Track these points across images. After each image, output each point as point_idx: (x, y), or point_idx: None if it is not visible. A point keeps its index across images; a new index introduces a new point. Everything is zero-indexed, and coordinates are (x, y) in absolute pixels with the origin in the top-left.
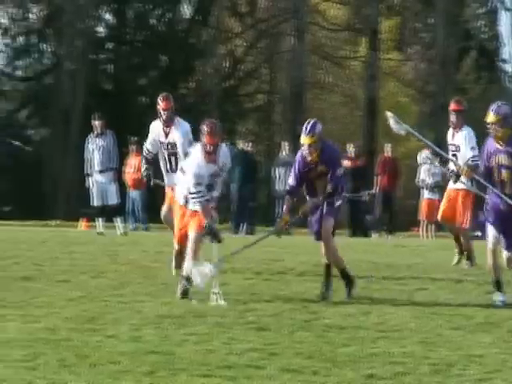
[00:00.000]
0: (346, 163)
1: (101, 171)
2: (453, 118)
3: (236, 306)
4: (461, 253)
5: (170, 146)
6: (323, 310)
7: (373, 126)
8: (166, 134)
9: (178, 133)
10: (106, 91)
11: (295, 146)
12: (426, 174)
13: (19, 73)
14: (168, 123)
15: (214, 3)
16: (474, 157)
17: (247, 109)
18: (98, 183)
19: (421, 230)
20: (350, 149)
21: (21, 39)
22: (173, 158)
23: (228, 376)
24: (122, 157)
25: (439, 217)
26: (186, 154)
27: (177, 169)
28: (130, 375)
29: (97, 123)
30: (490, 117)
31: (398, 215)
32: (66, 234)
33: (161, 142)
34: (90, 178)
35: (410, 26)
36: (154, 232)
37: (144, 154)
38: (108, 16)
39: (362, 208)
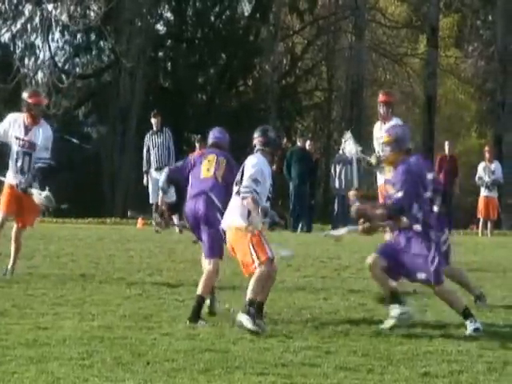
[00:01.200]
0: None
1: (157, 168)
2: (381, 109)
3: (292, 304)
4: None
5: (27, 145)
6: (379, 308)
7: (431, 124)
8: (27, 131)
9: (41, 135)
10: (165, 89)
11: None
12: (484, 171)
13: (78, 70)
14: (34, 120)
15: (273, 0)
16: None
17: (305, 106)
18: (155, 180)
19: (479, 227)
20: (410, 146)
21: (80, 37)
22: (26, 158)
23: (283, 374)
24: (180, 154)
25: None
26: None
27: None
28: (185, 373)
29: (154, 120)
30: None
31: (455, 213)
32: (122, 232)
33: (17, 138)
34: (147, 176)
35: (470, 23)
36: None
37: None
38: (167, 14)
39: None
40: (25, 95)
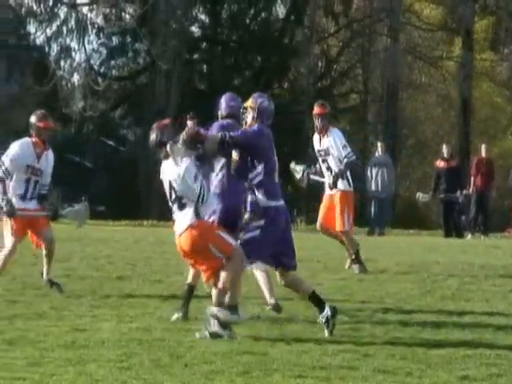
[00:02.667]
0: (440, 164)
1: None
2: (317, 122)
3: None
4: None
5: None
6: (416, 311)
7: (467, 127)
8: (39, 159)
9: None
10: (200, 91)
11: (389, 146)
12: None
13: (114, 72)
14: (44, 145)
15: (308, 3)
16: (348, 153)
17: (341, 109)
18: None
19: None
20: (444, 149)
21: (115, 39)
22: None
23: (321, 377)
24: None
25: (318, 227)
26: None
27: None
28: (223, 375)
29: (190, 123)
30: None
31: (492, 216)
32: (159, 234)
33: (29, 166)
34: None
35: (505, 26)
36: None
37: None
38: (202, 16)
39: (457, 209)
40: (33, 119)
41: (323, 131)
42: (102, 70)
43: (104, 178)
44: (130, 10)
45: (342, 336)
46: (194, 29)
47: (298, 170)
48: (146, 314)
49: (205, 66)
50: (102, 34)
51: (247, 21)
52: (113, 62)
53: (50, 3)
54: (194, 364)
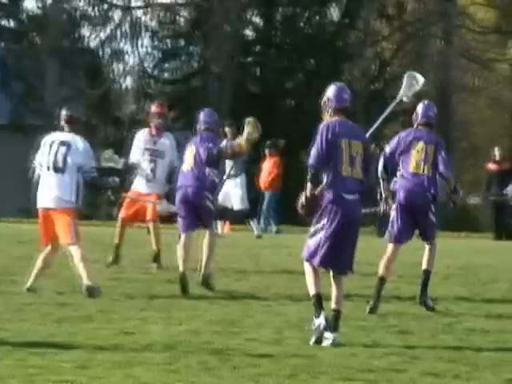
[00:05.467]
0: (492, 166)
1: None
2: (156, 122)
3: (378, 310)
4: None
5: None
6: (465, 313)
7: None
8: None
9: None
10: (253, 94)
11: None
12: None
13: (166, 75)
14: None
15: (362, 6)
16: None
17: (394, 111)
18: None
19: None
20: (496, 152)
21: (169, 42)
22: None
23: (369, 379)
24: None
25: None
26: None
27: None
28: (271, 378)
29: (227, 130)
30: None
31: None
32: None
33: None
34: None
35: None
36: (297, 234)
37: None
38: (256, 19)
39: (508, 211)
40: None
41: (159, 131)
42: (154, 73)
43: None
44: (184, 14)
45: (389, 339)
46: (248, 32)
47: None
48: (195, 316)
49: (258, 69)
50: (155, 38)
51: (301, 24)
52: (166, 65)
53: (105, 6)
54: (241, 367)
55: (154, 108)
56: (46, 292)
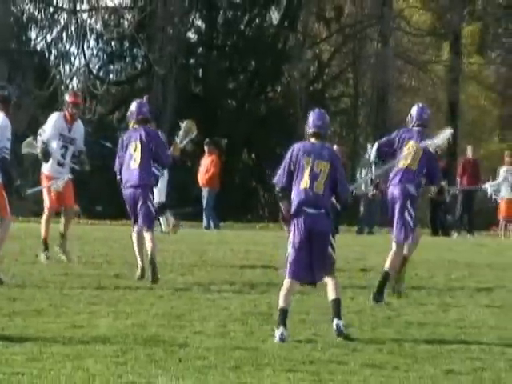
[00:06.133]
0: None
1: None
2: (71, 110)
3: (319, 303)
4: None
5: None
6: (404, 307)
7: (454, 129)
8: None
9: None
10: (196, 95)
11: None
12: (504, 175)
13: (112, 77)
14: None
15: (301, 9)
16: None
17: (333, 112)
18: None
19: (500, 229)
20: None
21: (114, 44)
22: None
23: (311, 371)
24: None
25: None
26: None
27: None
28: (216, 370)
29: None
30: None
31: (478, 215)
32: (155, 234)
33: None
34: None
35: (492, 31)
36: (242, 231)
37: None
38: (198, 22)
39: (443, 208)
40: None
41: (73, 119)
42: (100, 74)
43: (102, 178)
44: (129, 17)
45: (331, 332)
46: (191, 34)
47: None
48: (142, 310)
49: (200, 71)
50: (100, 40)
51: (242, 26)
52: (111, 67)
53: (51, 10)
54: (187, 359)
55: (68, 97)
56: None
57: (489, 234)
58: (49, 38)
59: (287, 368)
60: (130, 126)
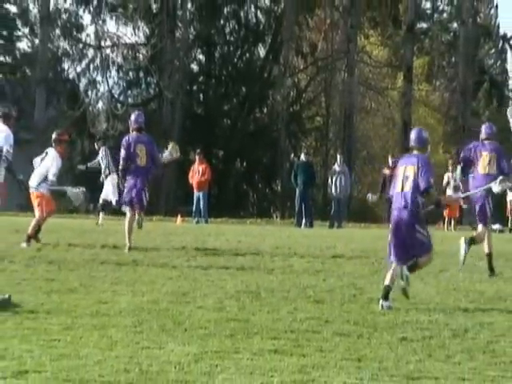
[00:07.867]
0: (386, 171)
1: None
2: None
3: (298, 284)
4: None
5: None
6: (367, 287)
7: (407, 142)
8: None
9: None
10: (198, 115)
11: (346, 158)
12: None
13: (130, 100)
14: None
15: (282, 45)
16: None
17: (308, 129)
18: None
19: (444, 224)
20: (389, 160)
21: (131, 74)
22: None
23: (292, 338)
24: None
25: None
26: None
27: None
28: (215, 337)
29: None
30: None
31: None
32: (165, 227)
33: None
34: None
35: (437, 63)
36: (235, 225)
37: None
38: (200, 56)
39: None
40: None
41: None
42: (121, 98)
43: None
44: (143, 52)
45: (308, 307)
46: (194, 66)
47: None
48: (155, 289)
49: (202, 95)
50: (121, 70)
51: (235, 59)
52: (129, 92)
53: (80, 46)
54: (191, 329)
55: None
56: (39, 270)
57: (435, 228)
58: (79, 69)
59: (272, 336)
60: (131, 130)
